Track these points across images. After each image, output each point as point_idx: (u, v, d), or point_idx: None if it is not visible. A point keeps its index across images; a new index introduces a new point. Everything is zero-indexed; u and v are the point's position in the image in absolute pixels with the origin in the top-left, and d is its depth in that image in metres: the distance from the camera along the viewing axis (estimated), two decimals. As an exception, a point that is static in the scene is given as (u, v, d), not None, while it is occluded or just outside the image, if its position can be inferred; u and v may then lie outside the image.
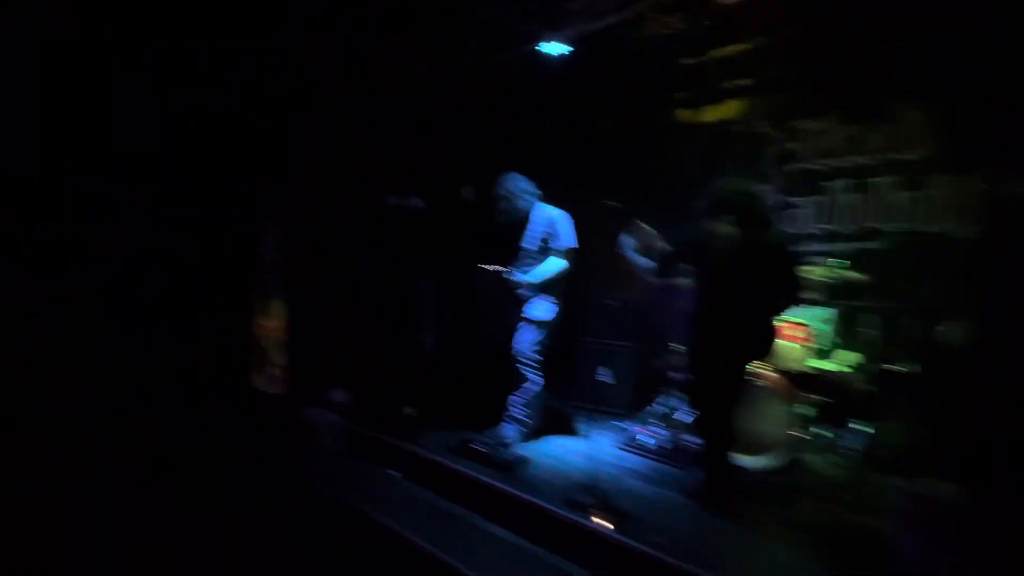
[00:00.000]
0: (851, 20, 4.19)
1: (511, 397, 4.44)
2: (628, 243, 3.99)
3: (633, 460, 4.18)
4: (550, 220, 4.40)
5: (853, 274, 4.07)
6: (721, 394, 3.33)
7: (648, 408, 4.51)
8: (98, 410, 5.42)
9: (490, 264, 4.61)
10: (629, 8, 4.29)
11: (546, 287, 4.37)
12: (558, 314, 4.42)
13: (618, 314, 5.20)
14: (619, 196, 3.97)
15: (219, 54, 5.85)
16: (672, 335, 4.28)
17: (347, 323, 6.32)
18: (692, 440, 3.92)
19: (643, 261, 3.90)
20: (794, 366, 3.95)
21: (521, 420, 4.41)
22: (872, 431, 3.80)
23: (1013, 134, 3.68)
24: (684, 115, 5.61)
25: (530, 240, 4.48)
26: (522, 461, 3.96)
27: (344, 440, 5.07)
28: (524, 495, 3.41)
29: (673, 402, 4.33)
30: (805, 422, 3.90)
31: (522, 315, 4.44)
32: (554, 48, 4.72)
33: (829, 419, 3.95)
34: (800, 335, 4.02)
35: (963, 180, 3.97)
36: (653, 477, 3.87)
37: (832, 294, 4.08)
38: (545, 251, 4.38)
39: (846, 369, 3.93)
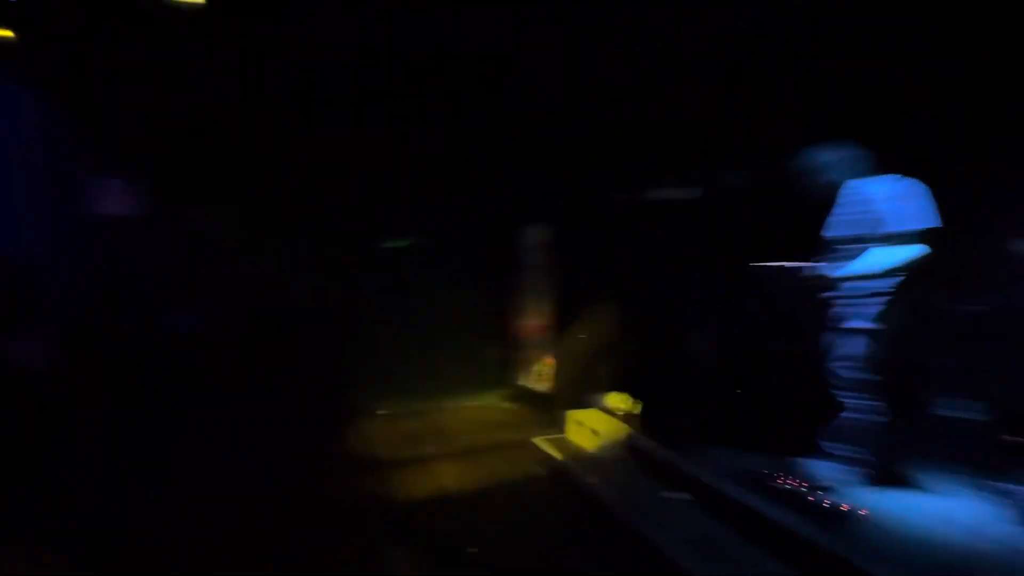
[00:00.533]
0: None
1: (827, 427, 3.54)
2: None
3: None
4: (885, 195, 3.39)
5: None
6: None
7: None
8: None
9: (791, 260, 3.75)
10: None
11: (879, 285, 3.37)
12: (894, 320, 3.38)
13: (984, 324, 3.91)
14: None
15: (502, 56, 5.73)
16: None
17: (615, 325, 5.89)
18: None
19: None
20: None
21: (845, 458, 3.48)
22: None
23: None
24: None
25: (848, 225, 3.51)
26: (854, 516, 3.06)
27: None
28: (872, 571, 2.54)
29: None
30: None
31: (839, 323, 3.51)
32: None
33: None
34: None
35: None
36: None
37: None
38: (873, 238, 3.37)
39: None
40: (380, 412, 6.30)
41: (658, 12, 4.68)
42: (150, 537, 3.48)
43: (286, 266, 6.11)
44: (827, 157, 3.59)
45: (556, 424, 5.44)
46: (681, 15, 4.67)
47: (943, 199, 3.25)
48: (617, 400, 5.28)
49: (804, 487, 3.31)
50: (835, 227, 3.55)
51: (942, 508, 3.06)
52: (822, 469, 3.48)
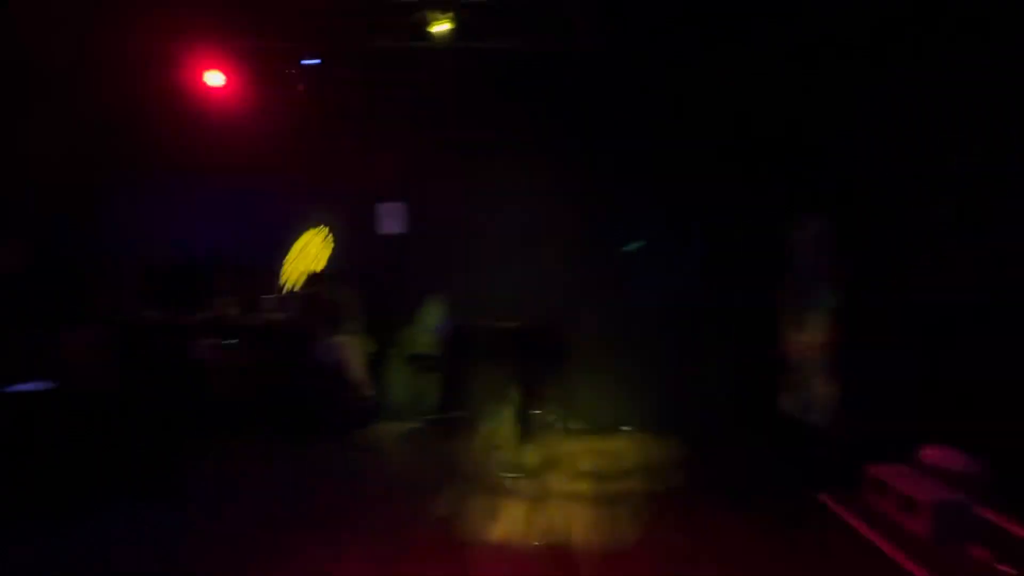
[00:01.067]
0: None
1: None
2: None
3: None
4: None
5: None
6: None
7: None
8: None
9: None
10: None
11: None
12: None
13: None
14: None
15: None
16: None
17: (922, 344, 4.56)
18: None
19: None
20: None
21: None
22: None
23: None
24: None
25: None
26: None
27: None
28: None
29: None
30: None
31: None
32: None
33: None
34: None
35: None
36: None
37: None
38: None
39: None
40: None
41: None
42: None
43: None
44: None
45: (843, 475, 4.34)
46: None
47: None
48: (942, 456, 4.04)
49: None
50: None
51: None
52: None
